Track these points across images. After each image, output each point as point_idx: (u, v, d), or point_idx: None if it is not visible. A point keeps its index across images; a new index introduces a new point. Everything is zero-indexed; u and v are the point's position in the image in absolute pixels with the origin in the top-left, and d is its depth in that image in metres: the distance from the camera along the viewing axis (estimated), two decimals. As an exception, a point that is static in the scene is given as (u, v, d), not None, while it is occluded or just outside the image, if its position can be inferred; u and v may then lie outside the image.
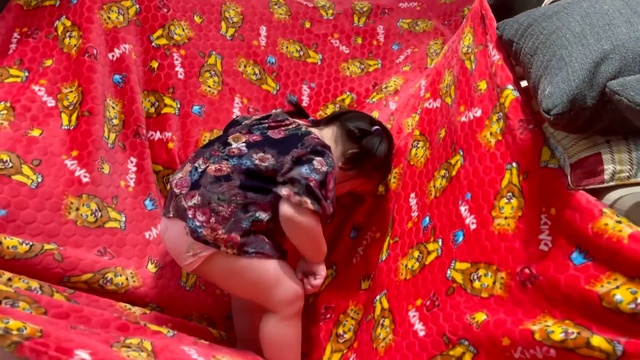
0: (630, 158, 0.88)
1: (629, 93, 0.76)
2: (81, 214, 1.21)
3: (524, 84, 1.14)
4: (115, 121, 1.36)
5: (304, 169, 1.10)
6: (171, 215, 1.10)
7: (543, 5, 1.20)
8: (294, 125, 1.23)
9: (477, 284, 1.01)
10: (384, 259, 1.30)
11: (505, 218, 1.00)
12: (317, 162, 1.12)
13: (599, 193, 0.89)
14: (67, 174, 1.23)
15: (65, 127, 1.28)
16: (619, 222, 0.80)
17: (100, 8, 1.41)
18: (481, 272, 1.01)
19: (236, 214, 1.07)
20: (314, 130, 1.25)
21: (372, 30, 1.83)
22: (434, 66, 1.53)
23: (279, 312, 1.14)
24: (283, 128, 1.21)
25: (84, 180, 1.24)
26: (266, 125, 1.21)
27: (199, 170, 1.11)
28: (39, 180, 1.18)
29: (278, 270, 1.12)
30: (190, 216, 1.06)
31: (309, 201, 1.08)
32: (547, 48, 0.95)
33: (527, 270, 0.92)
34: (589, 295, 0.79)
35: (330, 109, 1.69)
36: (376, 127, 1.28)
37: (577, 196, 0.87)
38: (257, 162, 1.11)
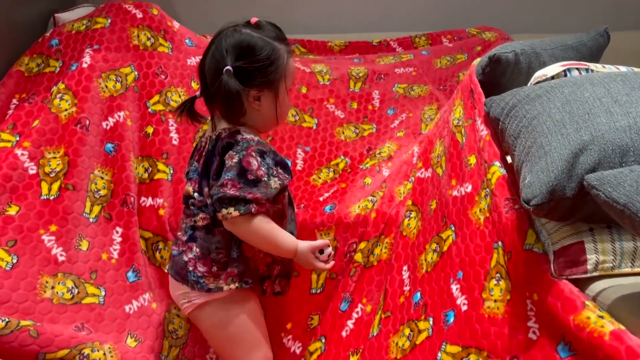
0: (614, 248, 0.86)
1: (607, 188, 0.75)
2: (57, 292, 1.20)
3: (510, 159, 1.15)
4: (103, 192, 1.37)
5: (221, 179, 1.11)
6: (169, 271, 1.24)
7: (528, 84, 1.21)
8: (207, 143, 1.20)
9: None
10: (375, 334, 1.27)
11: (495, 301, 0.98)
12: (228, 159, 1.12)
13: (582, 283, 0.88)
14: (43, 251, 1.23)
15: (44, 197, 1.28)
16: (601, 317, 0.78)
17: (99, 77, 1.45)
18: (472, 357, 0.98)
19: (231, 253, 1.18)
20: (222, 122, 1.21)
21: (367, 95, 1.86)
22: (427, 134, 1.54)
23: None
24: (205, 155, 1.19)
25: (60, 259, 1.24)
26: (196, 162, 1.22)
27: (189, 225, 1.21)
28: (14, 261, 1.18)
29: (261, 331, 1.25)
30: (191, 269, 1.17)
31: (232, 210, 1.10)
32: (529, 133, 0.95)
33: None
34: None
35: (324, 173, 1.70)
36: (226, 68, 1.12)
37: (560, 285, 0.86)
38: (209, 202, 1.16)
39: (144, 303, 1.34)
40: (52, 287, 1.21)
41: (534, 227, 0.97)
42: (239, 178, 1.09)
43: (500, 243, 1.01)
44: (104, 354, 1.17)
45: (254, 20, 1.20)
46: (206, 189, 1.17)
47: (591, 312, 0.80)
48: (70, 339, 1.14)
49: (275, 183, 1.13)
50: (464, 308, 1.04)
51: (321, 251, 1.21)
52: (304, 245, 1.20)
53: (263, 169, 1.12)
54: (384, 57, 2.02)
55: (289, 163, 1.68)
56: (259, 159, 1.12)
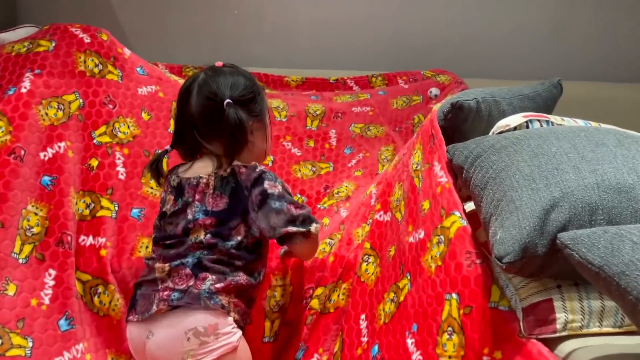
0: (582, 307, 0.85)
1: (580, 249, 0.73)
2: None
3: (468, 206, 1.13)
4: (36, 229, 1.25)
5: (276, 204, 1.13)
6: (159, 310, 1.08)
7: (490, 133, 1.21)
8: (211, 180, 1.15)
9: None
10: None
11: (450, 357, 0.94)
12: (271, 188, 1.14)
13: (550, 342, 0.85)
14: None
15: None
16: (574, 381, 0.76)
17: (38, 103, 1.34)
18: None
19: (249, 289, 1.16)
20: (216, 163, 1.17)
21: (324, 133, 1.83)
22: (385, 176, 1.52)
23: None
24: (213, 193, 1.14)
25: None
26: (197, 203, 1.15)
27: (191, 262, 1.11)
28: None
29: None
30: (207, 294, 1.07)
31: (313, 225, 1.16)
32: (497, 185, 0.94)
33: None
34: None
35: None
36: (227, 101, 1.14)
37: (529, 345, 0.83)
38: (234, 237, 1.14)
39: (77, 354, 1.21)
40: None
41: (498, 283, 0.95)
42: (289, 202, 1.15)
43: (454, 295, 0.97)
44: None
45: (219, 63, 1.23)
46: (233, 222, 1.13)
47: (562, 375, 0.77)
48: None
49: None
50: None
51: None
52: None
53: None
54: (341, 95, 2.01)
55: None
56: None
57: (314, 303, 1.35)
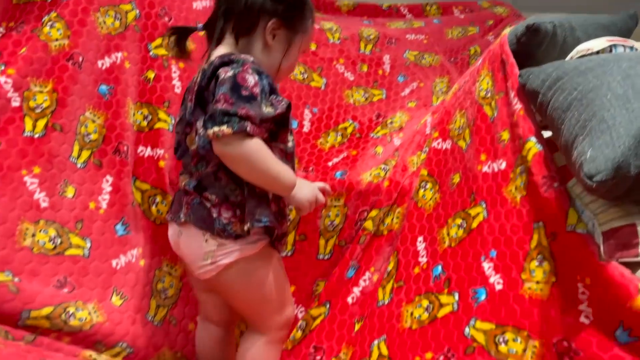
0: (667, 233, 0.83)
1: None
2: (38, 241, 1.08)
3: (545, 133, 1.10)
4: (94, 136, 1.24)
5: (216, 95, 0.97)
6: (183, 220, 1.06)
7: (568, 58, 1.16)
8: (199, 76, 1.06)
9: (503, 347, 0.94)
10: (386, 302, 1.22)
11: (537, 282, 0.94)
12: (222, 73, 0.98)
13: (631, 266, 0.84)
14: (24, 194, 1.10)
15: (29, 134, 1.14)
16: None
17: (96, 10, 1.31)
18: (509, 336, 0.94)
19: (243, 192, 1.03)
20: (217, 51, 1.08)
21: (378, 59, 1.78)
22: (443, 105, 1.48)
23: (267, 334, 1.13)
24: (194, 90, 1.05)
25: (43, 205, 1.12)
26: (189, 102, 1.07)
27: (194, 178, 1.07)
28: None
29: (288, 288, 1.16)
30: (215, 216, 1.03)
31: (224, 127, 0.92)
32: (583, 106, 0.90)
33: (565, 343, 0.85)
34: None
35: (331, 137, 1.61)
36: None
37: (610, 269, 0.82)
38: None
39: (132, 259, 1.24)
40: (33, 235, 1.09)
41: (575, 207, 0.93)
42: (231, 93, 0.94)
43: (541, 224, 0.97)
44: (89, 313, 1.07)
45: None
46: (200, 121, 1.01)
47: (645, 298, 0.76)
48: (52, 297, 1.04)
49: (267, 108, 0.98)
50: (499, 287, 1.00)
51: None
52: (305, 181, 1.10)
53: (258, 88, 0.97)
54: (394, 21, 1.94)
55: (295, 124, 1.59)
56: (255, 76, 0.98)
57: (368, 224, 1.36)
